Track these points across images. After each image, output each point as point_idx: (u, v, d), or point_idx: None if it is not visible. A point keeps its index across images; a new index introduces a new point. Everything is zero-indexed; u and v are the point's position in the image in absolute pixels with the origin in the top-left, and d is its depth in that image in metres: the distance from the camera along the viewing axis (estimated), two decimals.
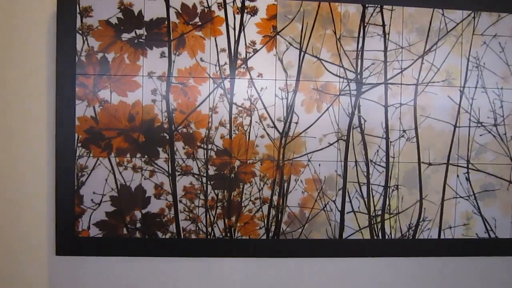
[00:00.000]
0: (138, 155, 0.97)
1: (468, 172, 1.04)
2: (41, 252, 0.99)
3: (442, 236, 1.05)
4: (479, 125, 1.04)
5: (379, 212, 1.03)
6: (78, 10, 0.95)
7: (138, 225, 0.98)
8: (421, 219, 1.04)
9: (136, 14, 0.96)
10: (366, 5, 1.00)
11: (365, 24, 1.01)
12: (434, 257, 1.06)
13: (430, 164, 1.04)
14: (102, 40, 0.96)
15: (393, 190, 1.03)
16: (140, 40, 0.97)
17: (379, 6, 1.00)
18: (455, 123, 1.04)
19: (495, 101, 1.04)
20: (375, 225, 1.03)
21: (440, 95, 1.03)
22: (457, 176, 1.04)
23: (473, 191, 1.05)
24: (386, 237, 1.03)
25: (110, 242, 0.98)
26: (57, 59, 0.95)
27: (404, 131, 1.02)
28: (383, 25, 1.01)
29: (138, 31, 0.97)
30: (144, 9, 0.96)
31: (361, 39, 1.01)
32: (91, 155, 0.97)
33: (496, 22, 1.04)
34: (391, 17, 1.01)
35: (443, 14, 1.02)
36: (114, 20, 0.96)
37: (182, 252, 0.99)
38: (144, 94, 0.97)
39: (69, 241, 0.97)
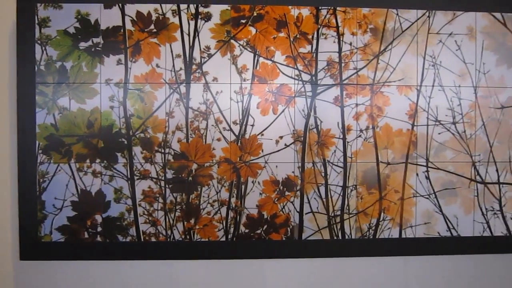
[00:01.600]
0: (98, 160, 1.00)
1: (427, 171, 1.04)
2: (6, 257, 1.01)
3: (403, 235, 1.05)
4: (437, 123, 1.04)
5: (338, 212, 1.03)
6: (36, 21, 0.98)
7: (99, 229, 1.00)
8: (381, 219, 1.04)
9: (92, 23, 0.99)
10: (319, 7, 1.02)
11: (319, 26, 1.02)
12: (396, 257, 1.06)
13: (388, 163, 1.04)
14: (60, 50, 0.99)
15: (351, 190, 1.03)
16: (97, 48, 0.99)
17: (332, 8, 1.02)
18: (413, 122, 1.04)
19: (453, 99, 1.04)
20: (335, 225, 1.03)
21: (397, 95, 1.03)
22: (417, 174, 1.04)
23: (433, 190, 1.05)
24: (346, 237, 1.04)
25: (72, 246, 1.00)
26: (17, 69, 0.98)
27: (361, 131, 1.03)
28: (337, 27, 1.02)
29: (95, 40, 0.99)
30: (101, 18, 0.99)
31: (315, 41, 1.02)
32: (51, 161, 0.99)
33: (451, 20, 1.04)
34: (344, 19, 1.02)
35: (397, 14, 1.03)
36: (71, 30, 0.99)
37: (142, 255, 1.01)
38: (102, 101, 0.99)
39: (33, 246, 0.99)
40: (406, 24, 1.03)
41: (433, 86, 1.04)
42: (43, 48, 0.98)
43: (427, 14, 1.03)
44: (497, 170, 1.05)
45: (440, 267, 1.07)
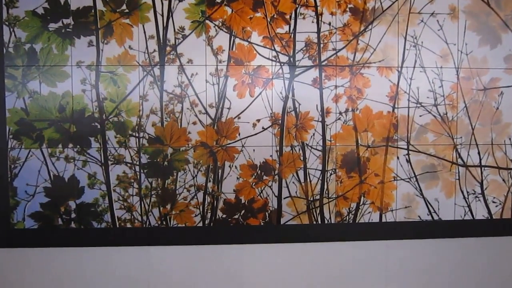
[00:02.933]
0: (70, 145, 0.97)
1: (408, 154, 1.03)
2: None
3: (383, 220, 1.03)
4: (418, 105, 1.02)
5: (318, 197, 1.02)
6: (3, 1, 0.94)
7: (73, 215, 0.98)
8: (361, 203, 1.03)
9: (62, 3, 0.95)
10: None
11: (297, 6, 0.99)
12: (378, 241, 1.04)
13: (368, 146, 1.02)
14: (29, 31, 0.95)
15: (331, 174, 1.02)
16: (67, 29, 0.96)
17: None
18: (393, 104, 1.02)
19: (435, 80, 1.02)
20: (314, 210, 1.02)
21: (377, 76, 1.01)
22: (397, 158, 1.03)
23: (414, 173, 1.03)
24: (326, 221, 1.02)
25: (46, 233, 0.98)
26: None
27: (340, 113, 1.01)
28: (315, 6, 0.99)
29: (65, 21, 0.96)
30: None
31: (293, 21, 0.99)
32: (23, 146, 0.96)
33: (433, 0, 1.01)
34: None
35: None
36: (40, 10, 0.95)
37: (118, 241, 0.99)
38: (74, 84, 0.96)
39: (5, 233, 0.97)
40: (386, 4, 1.00)
41: (414, 67, 1.01)
42: (11, 29, 0.95)
43: None
44: (479, 153, 1.04)
45: (421, 251, 1.05)
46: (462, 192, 1.04)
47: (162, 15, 0.97)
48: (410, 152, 1.02)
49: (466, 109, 1.03)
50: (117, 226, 0.99)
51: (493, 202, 1.05)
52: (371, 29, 1.00)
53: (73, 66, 0.96)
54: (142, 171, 0.98)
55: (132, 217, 0.99)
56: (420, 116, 1.02)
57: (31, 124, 0.96)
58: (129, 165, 0.98)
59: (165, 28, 0.97)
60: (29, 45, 0.95)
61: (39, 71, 0.96)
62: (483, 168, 1.04)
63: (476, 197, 1.04)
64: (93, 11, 0.96)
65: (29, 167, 0.97)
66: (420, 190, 1.03)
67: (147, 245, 1.00)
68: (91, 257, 1.00)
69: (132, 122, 0.97)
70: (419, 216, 1.04)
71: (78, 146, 0.97)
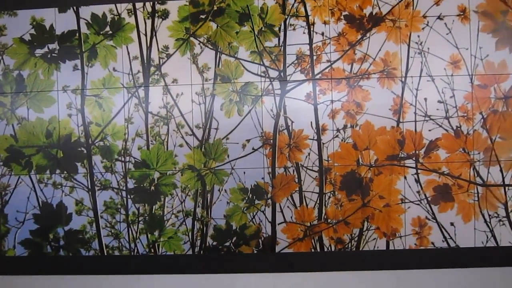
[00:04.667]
0: (58, 171, 0.95)
1: (417, 173, 0.92)
2: None
3: (391, 247, 0.92)
4: (427, 118, 0.91)
5: (315, 222, 0.93)
6: None
7: (62, 242, 0.96)
8: (364, 228, 0.93)
9: (48, 28, 0.95)
10: None
11: (286, 17, 0.92)
12: (385, 271, 0.93)
13: (371, 166, 0.92)
14: (16, 58, 0.95)
15: (329, 197, 0.93)
16: (53, 54, 0.95)
17: None
18: (398, 118, 0.92)
19: (445, 90, 0.91)
20: (312, 237, 0.93)
21: (378, 88, 0.92)
22: (405, 178, 0.92)
23: (425, 195, 0.92)
24: (325, 249, 0.93)
25: (35, 261, 0.96)
26: None
27: (338, 130, 0.92)
28: (306, 16, 0.92)
29: (51, 46, 0.95)
30: (55, 23, 0.95)
31: (282, 33, 0.92)
32: (12, 173, 0.96)
33: (439, 1, 0.91)
34: (314, 7, 0.92)
35: None
36: (27, 37, 0.95)
37: (107, 269, 0.95)
38: (60, 109, 0.95)
39: None
40: (386, 8, 0.91)
41: (420, 76, 0.91)
42: (0, 57, 0.96)
43: None
44: (501, 170, 0.91)
45: (436, 282, 0.93)
46: (483, 215, 0.91)
47: (146, 35, 0.94)
48: (419, 171, 0.92)
49: (484, 121, 0.91)
50: (105, 253, 0.95)
51: None
52: (369, 37, 0.92)
53: (59, 91, 0.95)
54: (129, 196, 0.95)
55: (120, 244, 0.95)
56: (430, 130, 0.91)
57: (20, 151, 0.96)
58: (115, 190, 0.95)
59: (149, 48, 0.94)
60: (17, 72, 0.95)
61: (27, 97, 0.95)
62: (507, 187, 0.91)
63: (500, 220, 0.91)
64: (77, 34, 0.94)
65: (18, 193, 0.96)
66: (433, 213, 0.92)
67: (136, 273, 0.96)
68: (80, 286, 0.97)
69: (117, 146, 0.94)
70: (432, 243, 0.92)
71: (65, 172, 0.95)
